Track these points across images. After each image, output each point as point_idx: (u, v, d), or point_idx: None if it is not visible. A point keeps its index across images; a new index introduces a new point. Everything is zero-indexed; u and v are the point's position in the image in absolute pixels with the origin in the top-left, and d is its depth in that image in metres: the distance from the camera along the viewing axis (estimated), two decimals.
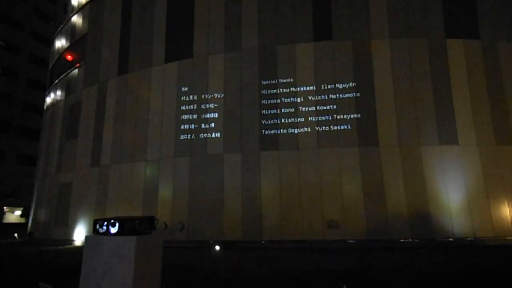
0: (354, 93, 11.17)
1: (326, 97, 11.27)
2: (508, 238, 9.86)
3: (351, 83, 11.25)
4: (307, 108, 11.31)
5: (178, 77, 12.88)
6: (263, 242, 10.60)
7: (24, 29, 34.85)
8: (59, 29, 19.47)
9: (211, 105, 12.17)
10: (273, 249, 10.02)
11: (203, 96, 12.35)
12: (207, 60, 12.59)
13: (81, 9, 17.32)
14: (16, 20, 34.10)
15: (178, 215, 11.64)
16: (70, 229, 14.23)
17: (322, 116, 11.17)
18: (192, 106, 12.39)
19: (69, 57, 17.66)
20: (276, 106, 11.52)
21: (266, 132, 11.41)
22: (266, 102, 11.62)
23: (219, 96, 12.15)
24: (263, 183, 11.08)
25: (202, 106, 12.27)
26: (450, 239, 9.90)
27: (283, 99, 11.52)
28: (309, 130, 11.15)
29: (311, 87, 11.43)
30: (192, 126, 12.24)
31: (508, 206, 10.17)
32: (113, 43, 14.95)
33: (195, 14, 13.08)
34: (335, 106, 11.17)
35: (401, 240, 10.00)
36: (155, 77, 13.38)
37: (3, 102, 32.34)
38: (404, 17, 11.56)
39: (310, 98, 11.36)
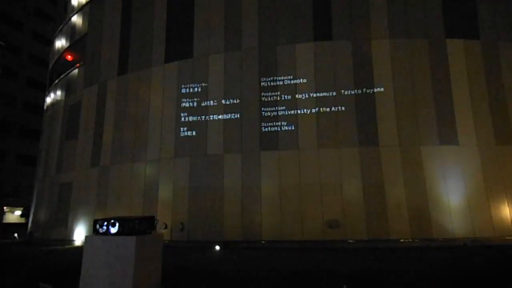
0: (354, 93, 11.17)
1: (326, 97, 11.27)
2: (508, 238, 9.86)
3: (351, 83, 11.25)
4: (307, 108, 11.31)
5: (178, 77, 12.87)
6: (263, 242, 10.60)
7: (24, 29, 34.83)
8: (59, 29, 19.46)
9: (211, 105, 12.17)
10: (273, 249, 10.01)
11: (203, 96, 12.35)
12: (207, 60, 12.59)
13: (81, 9, 17.32)
14: (16, 20, 34.08)
15: (178, 215, 11.63)
16: (70, 229, 14.23)
17: (322, 116, 11.16)
18: (192, 106, 12.39)
19: (69, 57, 17.65)
20: (276, 105, 11.52)
21: (266, 132, 11.41)
22: (266, 102, 11.62)
23: (219, 96, 12.14)
24: (263, 183, 11.08)
25: (202, 106, 12.27)
26: (450, 239, 9.89)
27: (283, 98, 11.52)
28: (309, 129, 11.14)
29: (311, 87, 11.43)
30: (192, 126, 12.24)
31: (508, 206, 10.17)
32: (113, 43, 14.94)
33: (195, 14, 13.08)
34: (335, 106, 11.17)
35: (401, 240, 9.99)
36: (155, 77, 13.38)
37: (3, 102, 32.33)
38: (404, 17, 11.56)
39: (310, 98, 11.36)
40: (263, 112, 11.57)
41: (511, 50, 11.44)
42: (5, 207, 31.63)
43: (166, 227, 11.41)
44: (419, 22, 11.52)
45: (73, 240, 13.83)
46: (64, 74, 17.57)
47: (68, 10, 18.93)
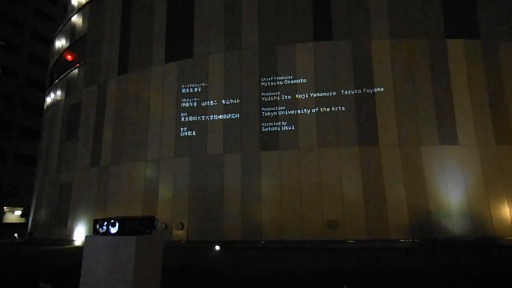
0: (354, 93, 11.17)
1: (326, 97, 11.26)
2: (508, 238, 9.86)
3: (351, 83, 11.25)
4: (307, 108, 11.31)
5: (178, 77, 12.87)
6: (263, 242, 10.60)
7: (24, 29, 34.83)
8: (59, 29, 19.47)
9: (211, 105, 12.17)
10: (273, 249, 10.01)
11: (203, 96, 12.35)
12: (207, 60, 12.59)
13: (81, 9, 17.32)
14: (16, 20, 34.09)
15: (178, 215, 11.64)
16: (70, 229, 14.23)
17: (322, 116, 11.16)
18: (192, 106, 12.39)
19: (69, 57, 17.66)
20: (276, 105, 11.52)
21: (266, 132, 11.41)
22: (266, 102, 11.62)
23: (219, 96, 12.14)
24: (263, 183, 11.08)
25: (202, 106, 12.26)
26: (450, 239, 9.89)
27: (283, 98, 11.52)
28: (309, 130, 11.14)
29: (311, 87, 11.43)
30: (192, 126, 12.24)
31: (508, 206, 10.17)
32: (113, 43, 14.94)
33: (195, 14, 13.09)
34: (335, 106, 11.17)
35: (401, 240, 9.99)
36: (155, 77, 13.38)
37: (3, 102, 32.34)
38: (404, 17, 11.56)
39: (310, 98, 11.36)
40: (263, 112, 11.57)
41: (511, 50, 11.44)
42: (5, 207, 31.65)
43: (166, 227, 11.43)
44: (419, 22, 11.52)
45: (73, 240, 13.83)
46: (64, 74, 17.57)
47: (68, 10, 18.95)
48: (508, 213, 10.12)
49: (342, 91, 11.24)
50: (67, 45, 18.08)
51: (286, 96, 11.51)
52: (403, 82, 11.13)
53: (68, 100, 16.74)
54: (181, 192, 11.86)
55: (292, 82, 11.57)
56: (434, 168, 10.48)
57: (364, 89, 11.17)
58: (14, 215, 32.38)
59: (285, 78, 11.64)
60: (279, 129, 11.35)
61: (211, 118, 12.06)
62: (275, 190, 10.94)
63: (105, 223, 4.23)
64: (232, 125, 11.78)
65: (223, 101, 12.06)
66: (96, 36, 15.84)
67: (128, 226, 4.19)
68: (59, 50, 19.09)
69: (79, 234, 13.75)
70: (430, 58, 11.25)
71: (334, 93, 11.25)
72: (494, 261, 7.50)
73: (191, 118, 12.30)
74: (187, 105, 12.48)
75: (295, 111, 11.35)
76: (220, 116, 11.98)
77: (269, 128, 11.42)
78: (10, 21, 33.44)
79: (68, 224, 14.40)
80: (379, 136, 10.81)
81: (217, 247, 10.36)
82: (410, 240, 9.99)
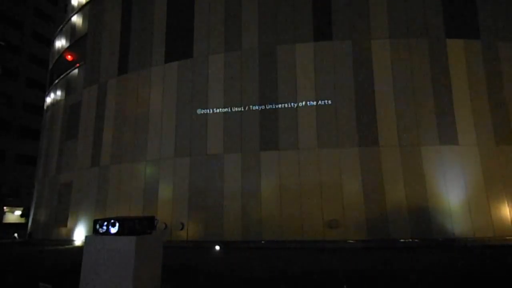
0: (354, 93, 11.17)
1: (326, 97, 11.26)
2: (508, 238, 9.86)
3: (351, 83, 11.24)
4: (307, 107, 11.30)
5: (178, 77, 12.87)
6: (263, 242, 10.60)
7: (24, 29, 34.84)
8: (59, 29, 19.46)
9: (211, 105, 12.16)
10: (273, 249, 10.01)
11: (202, 96, 12.34)
12: (207, 60, 12.59)
13: (81, 9, 17.32)
14: (16, 20, 34.09)
15: (178, 215, 11.63)
16: (70, 229, 14.23)
17: (322, 116, 11.16)
18: (192, 106, 12.39)
19: (69, 57, 17.66)
20: (276, 105, 11.51)
21: (266, 132, 11.40)
22: (266, 102, 11.60)
23: (219, 96, 12.14)
24: (263, 183, 11.08)
25: (202, 106, 12.25)
26: (450, 239, 9.89)
27: (283, 98, 11.51)
28: (309, 130, 11.14)
29: (311, 87, 11.42)
30: (192, 126, 12.23)
31: (508, 206, 10.17)
32: (113, 43, 14.94)
33: (195, 14, 13.08)
34: (335, 106, 11.17)
35: (401, 240, 9.99)
36: (155, 77, 13.38)
37: (3, 102, 32.34)
38: (404, 17, 11.56)
39: (310, 97, 11.35)
40: (263, 112, 11.56)
41: (511, 50, 11.44)
42: (5, 207, 31.65)
43: (166, 227, 11.43)
44: (419, 22, 11.51)
45: (73, 240, 13.83)
46: (64, 74, 17.57)
47: (68, 10, 18.94)
48: (508, 213, 10.13)
49: (342, 91, 11.23)
50: (67, 45, 18.08)
51: (286, 96, 11.50)
52: (403, 82, 11.13)
53: (68, 100, 16.74)
54: (181, 192, 11.86)
55: (292, 81, 11.56)
56: (434, 168, 10.48)
57: (364, 89, 11.16)
58: (14, 215, 32.38)
59: (285, 77, 11.63)
60: (279, 129, 11.34)
61: (211, 118, 12.05)
62: (275, 190, 10.93)
63: (105, 223, 4.24)
64: (232, 125, 11.77)
65: (223, 101, 12.05)
66: (96, 36, 15.84)
67: (128, 226, 4.19)
68: (59, 50, 19.08)
69: (79, 234, 13.75)
70: (430, 58, 11.24)
71: (334, 93, 11.25)
72: (494, 261, 7.50)
73: (191, 118, 12.29)
74: (187, 105, 12.48)
75: (295, 111, 11.34)
76: (220, 116, 11.97)
77: (269, 128, 11.41)
78: (10, 21, 33.45)
79: (68, 224, 14.39)
80: (379, 136, 10.81)
81: (217, 247, 10.36)
82: (410, 240, 9.98)
